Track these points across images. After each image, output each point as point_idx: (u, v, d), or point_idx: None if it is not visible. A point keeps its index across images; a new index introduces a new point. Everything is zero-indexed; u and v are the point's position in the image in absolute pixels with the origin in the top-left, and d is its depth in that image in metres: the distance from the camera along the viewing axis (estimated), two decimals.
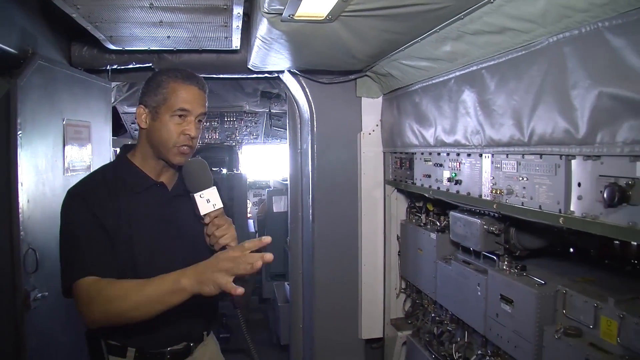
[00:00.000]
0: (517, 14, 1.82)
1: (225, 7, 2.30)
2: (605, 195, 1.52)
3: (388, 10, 1.98)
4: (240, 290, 1.69)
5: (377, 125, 3.76)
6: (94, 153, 3.81)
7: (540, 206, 1.90)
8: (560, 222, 1.79)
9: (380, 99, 3.74)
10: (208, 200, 1.96)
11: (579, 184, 1.72)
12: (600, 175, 1.61)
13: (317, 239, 3.84)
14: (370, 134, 3.76)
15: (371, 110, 3.76)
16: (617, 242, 2.09)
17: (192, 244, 2.12)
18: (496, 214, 2.39)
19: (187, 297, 1.76)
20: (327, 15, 2.04)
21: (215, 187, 2.01)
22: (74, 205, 2.03)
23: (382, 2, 1.90)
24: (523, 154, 2.00)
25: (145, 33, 2.75)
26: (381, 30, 2.31)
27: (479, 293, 2.48)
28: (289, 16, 2.05)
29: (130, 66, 3.73)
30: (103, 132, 4.08)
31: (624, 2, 1.44)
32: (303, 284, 4.20)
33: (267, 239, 1.82)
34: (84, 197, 2.02)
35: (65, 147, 3.33)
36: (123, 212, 2.04)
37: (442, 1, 1.90)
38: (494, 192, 2.21)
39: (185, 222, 2.14)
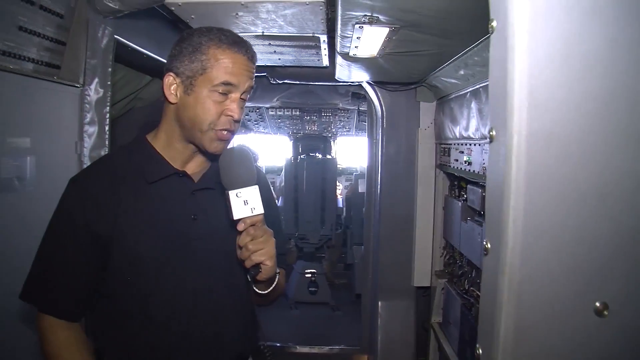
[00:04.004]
0: (485, 55, 2.97)
1: (316, 45, 3.59)
2: None
3: (411, 53, 3.19)
4: None
5: (431, 123, 4.90)
6: None
7: None
8: None
9: (434, 103, 4.87)
10: (246, 202, 1.59)
11: None
12: None
13: (383, 209, 5.05)
14: (426, 129, 4.90)
15: (427, 111, 4.87)
16: None
17: (217, 250, 1.77)
18: None
19: None
20: (376, 55, 3.27)
21: (257, 185, 1.64)
22: (69, 203, 1.73)
23: (405, 48, 3.11)
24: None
25: (265, 57, 4.10)
26: (414, 62, 3.52)
27: (479, 239, 3.62)
28: (353, 55, 3.31)
29: None
30: None
31: None
32: (373, 244, 5.44)
33: None
34: (82, 192, 1.72)
35: None
36: (129, 209, 1.70)
37: (441, 47, 3.08)
38: (483, 169, 3.36)
39: (213, 223, 1.77)
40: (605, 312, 0.78)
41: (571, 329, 0.79)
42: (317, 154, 8.18)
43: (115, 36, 2.84)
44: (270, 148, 9.79)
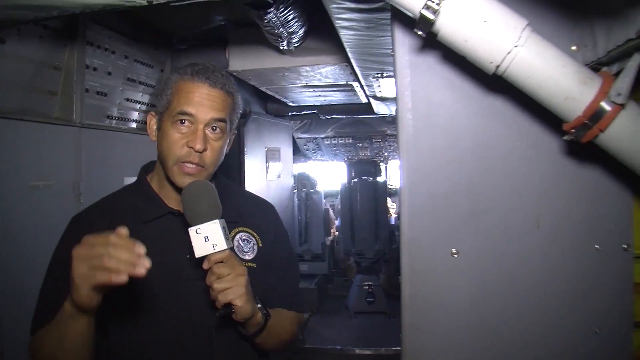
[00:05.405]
0: None
1: (351, 89, 4.39)
2: None
3: None
4: (140, 270, 1.28)
5: None
6: (283, 167, 6.15)
7: None
8: None
9: None
10: (206, 239, 1.48)
11: None
12: None
13: None
14: None
15: None
16: None
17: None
18: None
19: (74, 316, 1.38)
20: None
21: (221, 220, 1.51)
22: (67, 238, 1.68)
23: None
24: None
25: (312, 100, 4.96)
26: None
27: None
28: (380, 97, 4.09)
29: (303, 112, 6.02)
30: (287, 153, 6.42)
31: None
32: None
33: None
34: (79, 230, 1.61)
35: (267, 163, 5.66)
36: None
37: None
38: None
39: None
40: (457, 255, 1.52)
41: (438, 264, 1.53)
42: (368, 178, 8.92)
43: None
44: (328, 174, 10.66)
